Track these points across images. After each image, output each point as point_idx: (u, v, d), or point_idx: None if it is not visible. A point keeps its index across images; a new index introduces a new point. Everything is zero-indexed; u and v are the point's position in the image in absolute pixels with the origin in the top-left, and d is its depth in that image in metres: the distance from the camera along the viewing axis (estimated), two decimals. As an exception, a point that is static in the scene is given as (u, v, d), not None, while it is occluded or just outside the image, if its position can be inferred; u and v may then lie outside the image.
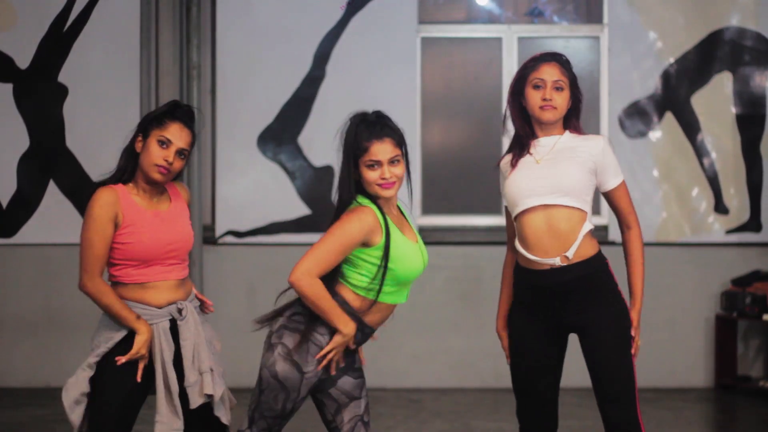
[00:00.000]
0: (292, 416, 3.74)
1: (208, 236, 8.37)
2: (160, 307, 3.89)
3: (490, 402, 7.85)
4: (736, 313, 8.22)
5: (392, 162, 3.79)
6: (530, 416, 4.08)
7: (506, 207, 4.14)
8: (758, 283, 8.21)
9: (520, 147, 4.07)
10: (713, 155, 8.44)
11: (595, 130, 8.50)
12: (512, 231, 4.12)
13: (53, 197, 8.29)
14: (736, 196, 8.43)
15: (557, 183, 3.93)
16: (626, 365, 3.94)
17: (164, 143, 3.91)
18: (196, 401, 3.87)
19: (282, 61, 8.34)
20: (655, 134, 8.44)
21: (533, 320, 4.04)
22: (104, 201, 3.82)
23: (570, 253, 3.92)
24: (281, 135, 8.38)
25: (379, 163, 3.77)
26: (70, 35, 8.30)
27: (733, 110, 8.44)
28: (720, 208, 8.43)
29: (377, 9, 8.37)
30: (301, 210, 8.34)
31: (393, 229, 3.81)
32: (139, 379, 3.81)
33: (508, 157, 4.12)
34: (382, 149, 3.78)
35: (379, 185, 3.77)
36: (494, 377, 8.36)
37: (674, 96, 8.43)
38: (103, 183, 3.94)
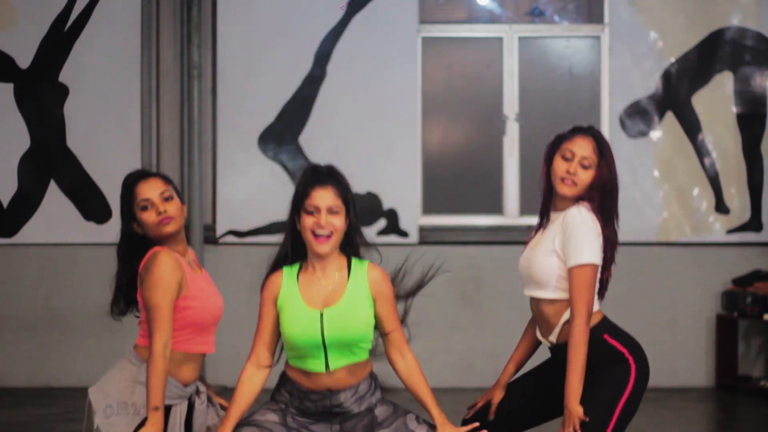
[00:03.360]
0: None
1: (209, 236, 8.37)
2: (186, 385, 3.86)
3: (490, 402, 7.84)
4: (737, 312, 8.22)
5: (331, 212, 3.71)
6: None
7: None
8: (759, 283, 8.20)
9: (541, 217, 3.99)
10: (714, 155, 8.44)
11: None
12: None
13: (54, 197, 8.29)
14: (736, 195, 8.43)
15: (531, 275, 3.92)
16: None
17: (146, 207, 3.83)
18: None
19: (283, 61, 8.34)
20: (655, 134, 8.44)
21: (540, 378, 4.03)
22: (169, 264, 3.74)
23: (552, 338, 3.90)
24: (282, 135, 8.38)
25: (317, 209, 3.71)
26: (71, 35, 8.30)
27: (734, 110, 8.43)
28: (721, 207, 8.42)
29: (378, 9, 8.37)
30: (301, 210, 8.34)
31: (291, 291, 3.74)
32: None
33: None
34: (322, 195, 3.73)
35: (315, 235, 3.69)
36: (494, 377, 8.32)
37: (675, 96, 8.42)
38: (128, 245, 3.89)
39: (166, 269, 3.74)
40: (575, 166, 3.87)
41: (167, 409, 3.78)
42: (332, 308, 3.70)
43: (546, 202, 3.98)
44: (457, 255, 8.42)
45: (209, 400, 4.01)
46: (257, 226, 8.38)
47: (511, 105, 8.53)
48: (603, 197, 3.87)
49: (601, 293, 3.93)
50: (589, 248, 3.77)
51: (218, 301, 3.94)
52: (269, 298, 3.78)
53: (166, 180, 3.93)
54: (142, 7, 8.31)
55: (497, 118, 8.54)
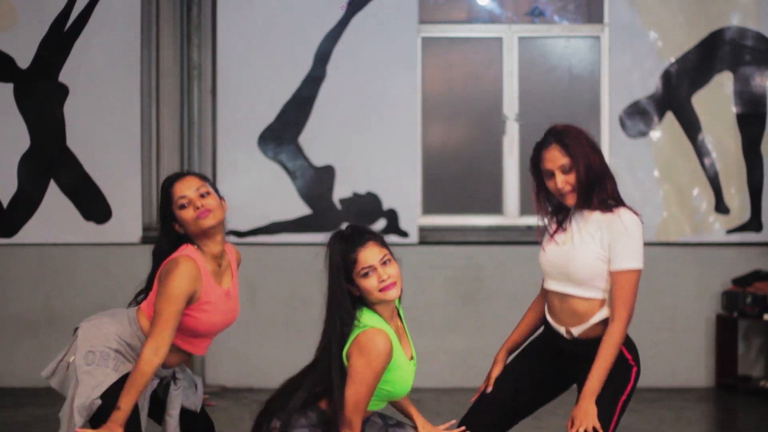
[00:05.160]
0: None
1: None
2: (164, 367, 3.91)
3: (490, 402, 7.84)
4: (737, 312, 8.22)
5: (384, 263, 3.63)
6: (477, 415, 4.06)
7: None
8: (759, 283, 8.20)
9: (562, 216, 3.99)
10: (714, 155, 8.44)
11: (596, 130, 8.50)
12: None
13: (54, 197, 8.29)
14: (736, 195, 8.43)
15: (569, 274, 3.90)
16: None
17: (184, 205, 3.87)
18: None
19: (282, 61, 8.33)
20: (655, 134, 8.44)
21: (536, 360, 4.06)
22: (186, 275, 3.77)
23: (576, 332, 3.92)
24: (282, 135, 8.38)
25: (372, 268, 3.61)
26: (71, 35, 8.30)
27: (734, 110, 8.44)
28: (721, 207, 8.42)
29: (378, 9, 8.37)
30: (301, 210, 8.34)
31: (398, 350, 3.67)
32: None
33: (549, 223, 4.04)
34: (370, 253, 3.63)
35: (381, 290, 3.60)
36: (495, 377, 8.36)
37: (675, 96, 8.42)
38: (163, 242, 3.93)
39: (181, 281, 3.75)
40: (561, 180, 3.89)
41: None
42: (413, 353, 3.77)
43: (557, 200, 3.99)
44: (457, 255, 8.42)
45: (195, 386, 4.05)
46: (257, 226, 8.38)
47: (510, 105, 8.53)
48: (600, 185, 3.88)
49: None
50: (640, 253, 3.84)
51: (227, 318, 3.93)
52: (384, 365, 3.57)
53: (202, 177, 3.97)
54: (142, 7, 8.31)
55: (497, 118, 8.54)
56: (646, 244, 4.10)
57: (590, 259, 3.85)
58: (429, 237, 8.45)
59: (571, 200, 3.90)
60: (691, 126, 8.43)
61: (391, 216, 8.34)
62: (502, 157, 8.54)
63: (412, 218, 8.39)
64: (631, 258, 3.82)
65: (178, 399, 3.92)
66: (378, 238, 3.67)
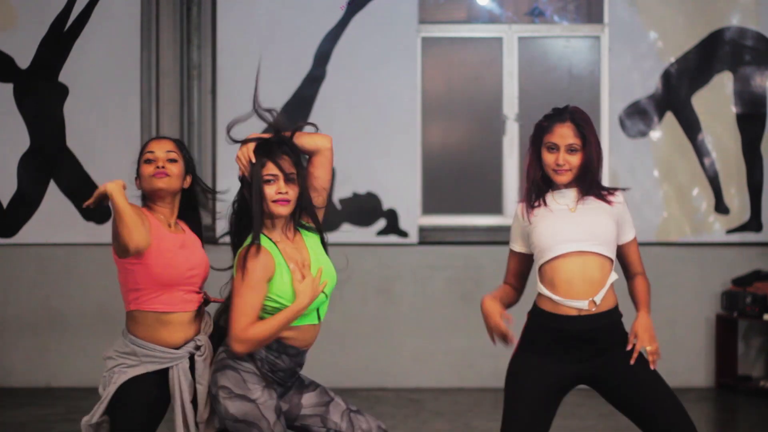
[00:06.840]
0: None
1: (209, 236, 8.29)
2: (177, 347, 3.88)
3: (490, 402, 7.85)
4: (737, 312, 8.22)
5: (288, 180, 3.77)
6: None
7: (512, 250, 4.17)
8: (759, 283, 8.20)
9: (537, 194, 4.03)
10: (714, 155, 8.44)
11: (596, 131, 8.50)
12: (513, 271, 4.26)
13: (54, 197, 8.29)
14: (736, 195, 8.43)
15: (593, 231, 3.93)
16: (668, 389, 4.00)
17: (149, 160, 4.02)
18: None
19: (282, 61, 8.34)
20: (655, 134, 8.44)
21: (544, 362, 4.00)
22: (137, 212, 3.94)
23: (598, 299, 3.94)
24: (282, 135, 8.38)
25: (276, 178, 3.77)
26: (71, 35, 8.30)
27: (734, 110, 8.44)
28: (720, 207, 8.43)
29: (377, 9, 8.37)
30: (301, 210, 8.34)
31: (279, 261, 3.75)
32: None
33: (523, 205, 4.08)
34: (280, 164, 3.79)
35: (274, 201, 3.75)
36: (494, 377, 8.35)
37: (675, 96, 8.42)
38: None
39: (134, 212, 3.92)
40: (563, 157, 3.97)
41: (164, 372, 3.85)
42: (323, 260, 3.93)
43: (543, 183, 4.04)
44: (457, 255, 8.42)
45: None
46: (257, 226, 8.37)
47: (510, 105, 8.53)
48: (595, 173, 4.02)
49: None
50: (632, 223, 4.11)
51: (189, 261, 3.98)
52: (273, 267, 3.73)
53: (178, 145, 4.07)
54: (142, 7, 8.32)
55: (497, 118, 8.54)
56: (647, 244, 4.16)
57: (609, 219, 3.96)
58: (429, 237, 8.45)
59: (563, 178, 3.96)
60: (691, 126, 8.43)
61: (391, 216, 8.34)
62: (502, 157, 8.54)
63: (412, 218, 8.39)
64: (633, 227, 4.08)
65: (204, 364, 3.89)
66: (295, 158, 3.85)
